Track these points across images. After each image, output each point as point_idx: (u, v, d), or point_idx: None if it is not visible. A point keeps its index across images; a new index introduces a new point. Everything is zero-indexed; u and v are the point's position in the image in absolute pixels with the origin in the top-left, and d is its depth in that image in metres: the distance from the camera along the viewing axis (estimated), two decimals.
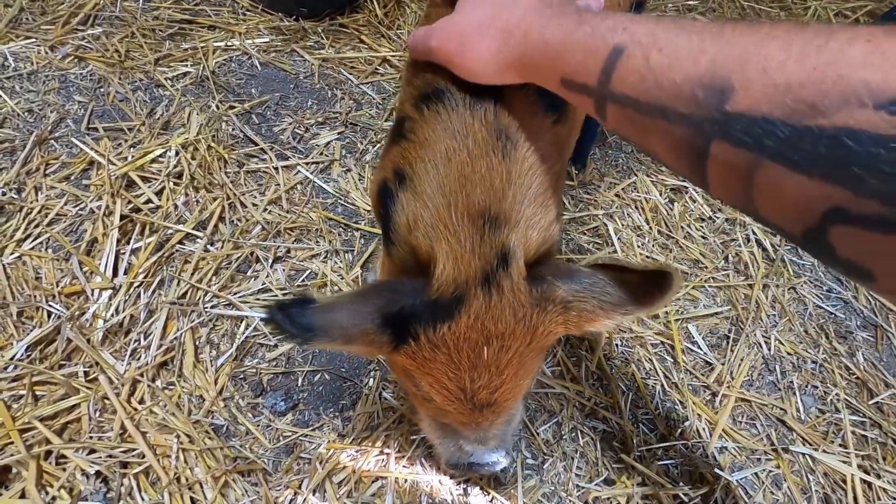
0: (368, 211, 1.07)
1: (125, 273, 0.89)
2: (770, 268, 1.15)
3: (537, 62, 0.43)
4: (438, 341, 0.48)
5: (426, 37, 0.52)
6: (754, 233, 1.21)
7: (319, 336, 0.43)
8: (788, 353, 1.03)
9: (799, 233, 0.31)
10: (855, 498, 0.86)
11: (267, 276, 0.94)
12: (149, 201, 0.99)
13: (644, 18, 0.37)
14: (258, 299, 0.91)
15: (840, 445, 0.93)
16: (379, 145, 1.19)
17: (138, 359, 0.81)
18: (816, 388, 1.00)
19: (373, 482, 0.76)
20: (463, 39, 0.48)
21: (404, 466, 0.78)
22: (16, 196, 0.96)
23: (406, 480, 0.77)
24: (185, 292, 0.89)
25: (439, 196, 0.49)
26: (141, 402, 0.77)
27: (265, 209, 1.02)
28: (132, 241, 0.93)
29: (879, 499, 0.87)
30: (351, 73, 1.31)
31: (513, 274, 0.48)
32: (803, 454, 0.90)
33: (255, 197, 1.04)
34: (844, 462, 0.90)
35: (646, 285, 0.48)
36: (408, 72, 0.60)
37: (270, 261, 0.96)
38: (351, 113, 1.23)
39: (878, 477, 0.89)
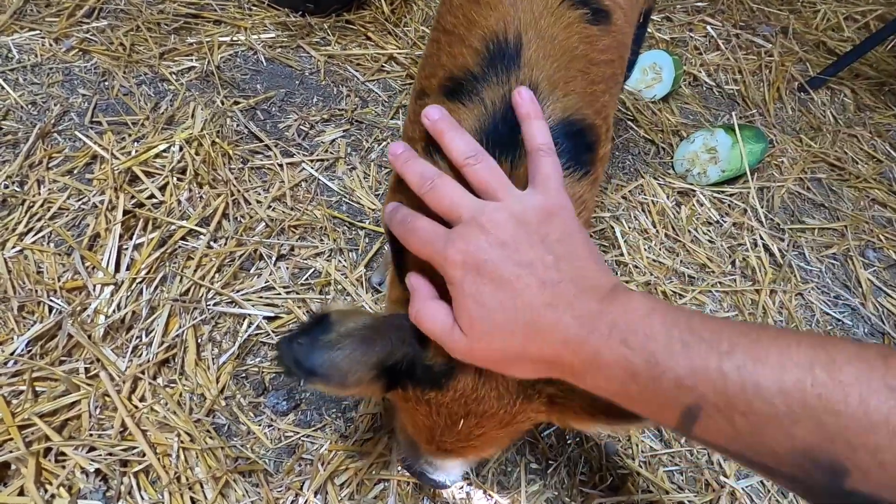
0: (373, 209, 1.06)
1: (127, 269, 0.88)
2: (777, 273, 1.14)
3: (598, 389, 0.39)
4: (423, 400, 0.50)
5: (443, 340, 0.44)
6: (762, 238, 1.19)
7: (319, 380, 0.44)
8: None
9: None
10: None
11: (270, 274, 0.93)
12: (152, 196, 0.98)
13: (713, 370, 0.33)
14: (261, 297, 0.90)
15: None
16: (384, 143, 1.18)
17: (140, 356, 0.80)
18: None
19: (375, 485, 0.75)
20: (496, 367, 0.44)
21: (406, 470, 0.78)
22: (18, 189, 0.95)
23: (408, 483, 0.76)
24: (188, 289, 0.88)
25: None
26: (142, 399, 0.77)
27: (269, 206, 1.02)
28: (135, 237, 0.92)
29: None
30: (357, 70, 1.30)
31: None
32: None
33: (259, 194, 1.03)
34: None
35: None
36: (416, 107, 0.56)
37: (274, 258, 0.95)
38: (356, 110, 1.22)
39: None
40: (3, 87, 1.09)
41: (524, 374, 0.44)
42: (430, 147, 0.51)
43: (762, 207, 1.26)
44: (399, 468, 0.77)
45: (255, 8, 1.38)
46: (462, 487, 0.78)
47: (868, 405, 0.29)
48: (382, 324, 0.50)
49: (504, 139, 0.49)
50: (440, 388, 0.49)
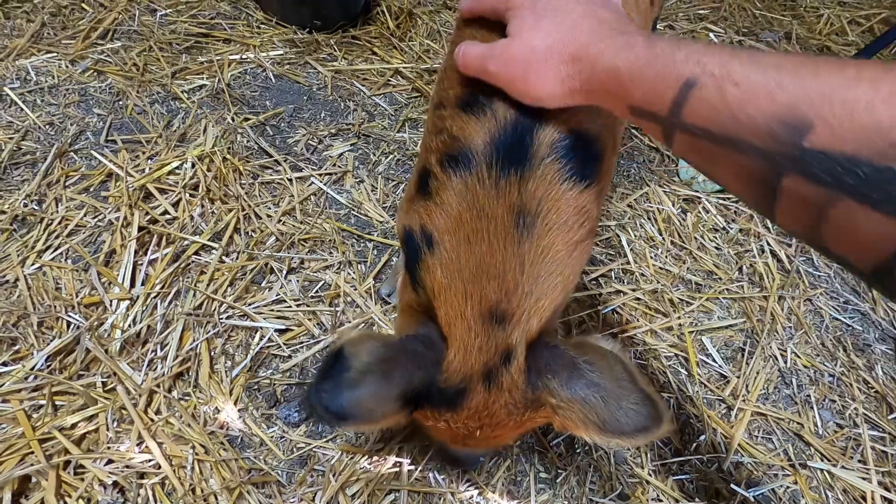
0: (381, 222, 1.08)
1: (142, 284, 0.91)
2: (785, 279, 1.14)
3: (606, 88, 0.43)
4: (441, 418, 0.54)
5: (482, 58, 0.50)
6: (769, 244, 1.19)
7: (352, 422, 0.48)
8: (805, 367, 1.02)
9: (868, 268, 0.32)
10: None
11: (281, 287, 0.95)
12: (165, 213, 1.00)
13: (717, 49, 0.36)
14: (272, 310, 0.92)
15: (859, 461, 0.91)
16: (391, 156, 1.20)
17: (155, 369, 0.82)
18: (834, 402, 0.98)
19: (386, 495, 0.76)
20: (527, 66, 0.47)
21: (417, 479, 0.78)
22: (37, 207, 0.98)
23: (419, 493, 0.77)
24: (201, 303, 0.90)
25: (460, 282, 0.52)
26: (157, 412, 0.78)
27: (279, 220, 1.04)
28: (149, 253, 0.94)
29: None
30: (363, 85, 1.33)
31: (513, 371, 0.52)
32: (822, 470, 0.89)
33: (270, 208, 1.05)
34: (864, 478, 0.88)
35: (637, 411, 0.50)
36: (433, 116, 0.59)
37: (284, 272, 0.96)
38: (364, 124, 1.24)
39: None
40: (21, 109, 1.13)
41: (545, 79, 0.46)
42: (446, 159, 0.53)
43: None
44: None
45: (263, 26, 1.42)
46: (472, 497, 0.78)
47: (863, 70, 0.30)
48: (397, 353, 0.52)
49: (514, 150, 0.50)
50: (455, 409, 0.53)
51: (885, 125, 0.28)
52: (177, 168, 1.07)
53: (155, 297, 0.89)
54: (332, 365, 0.49)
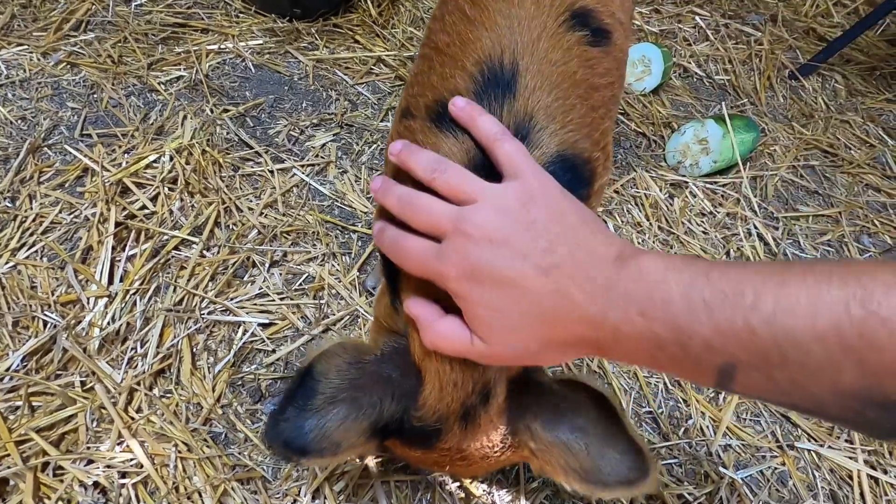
0: (365, 212, 1.06)
1: (121, 280, 0.89)
2: (773, 261, 1.14)
3: (635, 353, 0.38)
4: (412, 452, 0.52)
5: (460, 351, 0.44)
6: (756, 227, 1.19)
7: (314, 457, 0.45)
8: None
9: None
10: (862, 494, 0.85)
11: (264, 281, 0.93)
12: (143, 207, 0.98)
13: (729, 322, 0.32)
14: (255, 304, 0.91)
15: (846, 441, 0.92)
16: (375, 146, 1.18)
17: (135, 367, 0.80)
18: None
19: (370, 486, 0.75)
20: (524, 361, 0.43)
21: (401, 470, 0.78)
22: (10, 205, 0.95)
23: (406, 484, 0.76)
24: (182, 299, 0.88)
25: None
26: (138, 410, 0.77)
27: (261, 213, 1.02)
28: (127, 248, 0.92)
29: (886, 494, 0.86)
30: (346, 74, 1.30)
31: (491, 412, 0.49)
32: (809, 450, 0.90)
33: (251, 201, 1.03)
34: (851, 458, 0.89)
35: (621, 461, 0.47)
36: (400, 126, 0.53)
37: (267, 265, 0.95)
38: (346, 114, 1.22)
39: (885, 472, 0.88)
40: None
41: (555, 361, 0.44)
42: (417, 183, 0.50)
43: (756, 197, 1.26)
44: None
45: (241, 15, 1.38)
46: (461, 486, 0.78)
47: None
48: (367, 376, 0.49)
49: (492, 170, 0.45)
50: (429, 446, 0.50)
51: None
52: (154, 161, 1.04)
53: (134, 294, 0.87)
54: (297, 387, 0.46)
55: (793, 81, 1.58)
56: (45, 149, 1.05)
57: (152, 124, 1.11)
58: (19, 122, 1.08)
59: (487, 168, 0.46)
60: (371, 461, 0.77)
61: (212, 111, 1.16)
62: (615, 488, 0.47)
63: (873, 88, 1.63)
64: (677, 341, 0.34)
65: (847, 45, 1.59)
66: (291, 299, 0.92)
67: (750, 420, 0.93)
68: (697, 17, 1.68)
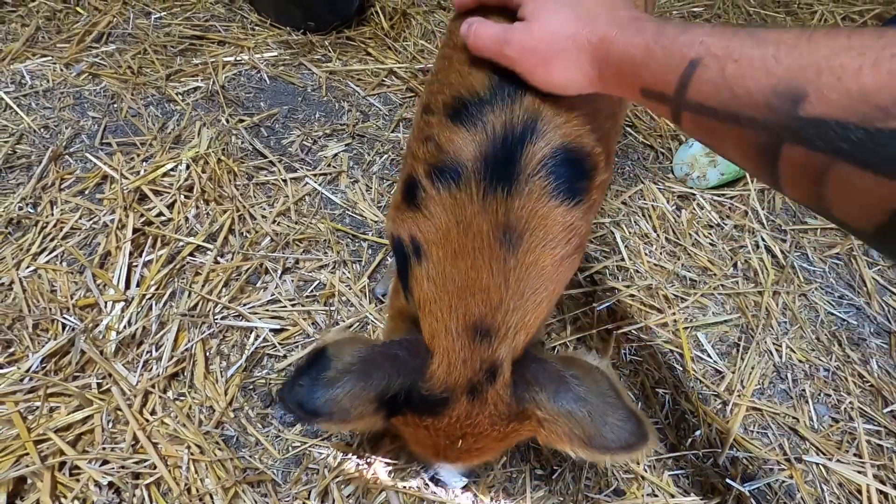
0: (376, 221, 1.08)
1: (137, 285, 0.91)
2: (780, 274, 1.15)
3: (621, 73, 0.44)
4: (422, 425, 0.53)
5: (500, 41, 0.49)
6: (763, 239, 1.20)
7: (324, 420, 0.48)
8: (800, 361, 1.02)
9: (871, 229, 0.33)
10: None
11: (276, 288, 0.95)
12: (160, 214, 1.00)
13: (720, 30, 0.38)
14: (267, 310, 0.92)
15: (855, 455, 0.91)
16: (386, 156, 1.20)
17: (150, 370, 0.82)
18: (829, 396, 0.98)
19: (380, 492, 0.76)
20: (548, 54, 0.47)
21: (412, 478, 0.79)
22: (32, 210, 0.98)
23: (414, 496, 0.77)
24: (196, 304, 0.90)
25: (445, 295, 0.51)
26: (152, 413, 0.78)
27: (274, 221, 1.04)
28: (144, 254, 0.94)
29: None
30: (358, 86, 1.33)
31: (498, 387, 0.52)
32: (817, 464, 0.89)
33: (265, 209, 1.06)
34: (860, 472, 0.88)
35: (622, 427, 0.50)
36: (421, 121, 0.57)
37: (279, 272, 0.97)
38: (358, 124, 1.25)
39: (895, 487, 0.88)
40: (16, 112, 1.13)
41: (566, 67, 0.46)
42: (434, 171, 0.52)
43: (763, 209, 1.26)
44: (402, 476, 0.78)
45: (257, 28, 1.42)
46: (468, 495, 0.78)
47: (852, 38, 0.31)
48: (378, 355, 0.52)
49: (500, 166, 0.50)
50: (437, 415, 0.52)
51: (870, 89, 0.29)
52: (171, 170, 1.07)
53: (150, 299, 0.90)
54: (312, 362, 0.49)
55: None
56: (67, 156, 1.08)
57: (170, 133, 1.14)
58: (42, 130, 1.12)
59: (501, 163, 0.50)
60: (381, 467, 0.78)
61: (227, 121, 1.18)
62: (617, 452, 0.50)
63: None
64: (674, 32, 0.40)
65: None
66: (303, 306, 0.94)
67: (758, 432, 0.93)
68: None
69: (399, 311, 0.60)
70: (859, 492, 0.87)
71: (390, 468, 0.79)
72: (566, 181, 0.51)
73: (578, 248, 0.55)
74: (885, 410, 0.97)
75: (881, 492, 0.87)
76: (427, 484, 0.78)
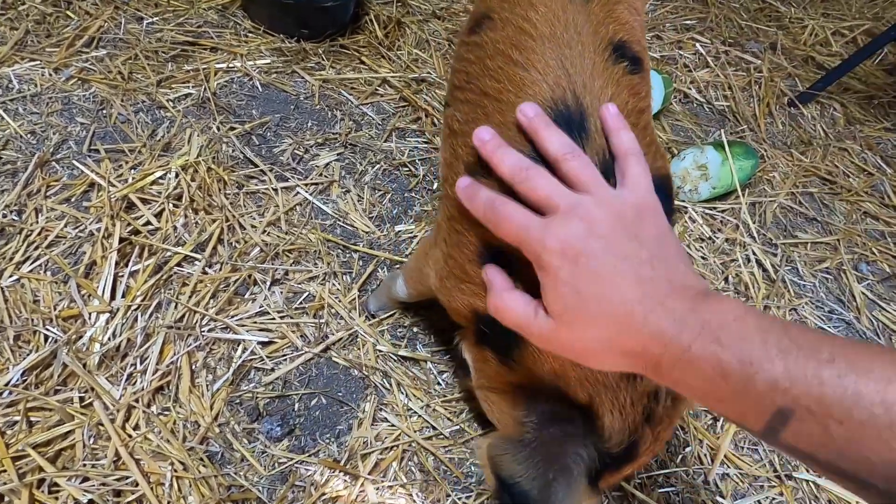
0: (367, 232, 1.07)
1: (123, 296, 0.89)
2: (771, 288, 1.15)
3: (677, 384, 0.39)
4: (621, 476, 0.55)
5: (523, 327, 0.45)
6: (754, 253, 1.20)
7: None
8: None
9: None
10: None
11: (265, 299, 0.94)
12: (148, 223, 0.99)
13: (801, 366, 0.33)
14: (255, 322, 0.91)
15: None
16: (378, 166, 1.19)
17: (134, 383, 0.81)
18: None
19: None
20: (579, 357, 0.44)
21: (399, 495, 0.77)
22: (16, 218, 0.97)
23: None
24: (183, 315, 0.89)
25: None
26: (136, 428, 0.77)
27: (264, 231, 1.03)
28: (131, 264, 0.93)
29: None
30: (351, 94, 1.32)
31: (661, 404, 0.53)
32: (807, 481, 0.89)
33: (254, 219, 1.05)
34: None
35: None
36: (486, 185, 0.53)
37: (268, 283, 0.96)
38: (350, 134, 1.24)
39: None
40: (2, 118, 1.11)
41: (604, 366, 0.45)
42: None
43: (754, 223, 1.27)
44: (389, 493, 0.77)
45: (250, 35, 1.41)
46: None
47: None
48: (552, 447, 0.51)
49: None
50: (634, 460, 0.54)
51: None
52: (160, 178, 1.05)
53: (135, 310, 0.88)
54: (512, 501, 0.48)
55: (792, 109, 1.61)
56: (53, 163, 1.07)
57: (159, 141, 1.12)
58: (29, 136, 1.10)
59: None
60: (368, 484, 0.77)
61: (218, 129, 1.17)
62: None
63: (871, 117, 1.65)
64: (744, 373, 0.34)
65: (846, 74, 1.61)
66: (291, 318, 0.93)
67: (748, 449, 0.92)
68: (698, 44, 1.71)
69: (503, 382, 0.58)
70: None
71: (377, 486, 0.78)
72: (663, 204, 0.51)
73: None
74: None
75: None
76: (414, 500, 0.77)
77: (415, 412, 0.86)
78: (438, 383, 0.91)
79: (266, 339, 0.89)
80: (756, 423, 0.35)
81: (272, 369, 0.88)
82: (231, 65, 1.31)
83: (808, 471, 0.90)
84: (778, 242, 1.25)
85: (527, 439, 0.51)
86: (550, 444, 0.51)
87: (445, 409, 0.87)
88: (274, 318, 0.92)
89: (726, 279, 1.15)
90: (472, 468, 0.82)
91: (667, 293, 0.40)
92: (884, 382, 0.31)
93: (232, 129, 1.18)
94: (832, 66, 1.66)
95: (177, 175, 1.06)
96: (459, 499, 0.78)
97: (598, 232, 0.42)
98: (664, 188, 0.53)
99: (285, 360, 0.89)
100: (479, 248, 0.54)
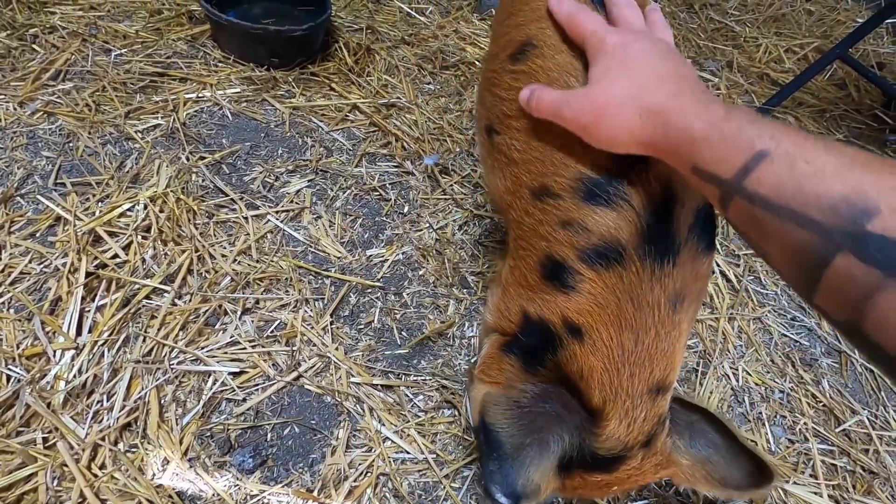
0: (339, 258, 1.08)
1: (89, 331, 0.88)
2: (735, 298, 1.18)
3: (676, 146, 0.44)
4: (590, 481, 0.56)
5: (557, 104, 0.52)
6: (718, 264, 1.24)
7: (525, 501, 0.49)
8: (756, 384, 1.05)
9: None
10: None
11: (235, 329, 0.94)
12: (115, 256, 0.98)
13: (793, 130, 0.38)
14: (226, 353, 0.91)
15: (811, 476, 0.94)
16: (349, 191, 1.21)
17: (100, 421, 0.79)
18: (785, 417, 1.01)
19: None
20: (601, 111, 0.49)
21: None
22: None
23: None
24: (151, 349, 0.88)
25: (624, 366, 0.53)
26: (102, 467, 0.75)
27: (234, 260, 1.03)
28: (97, 298, 0.92)
29: None
30: (321, 121, 1.34)
31: (664, 434, 0.56)
32: (776, 486, 0.91)
33: (225, 248, 1.05)
34: (815, 493, 0.90)
35: (749, 468, 0.56)
36: (540, 205, 0.57)
37: (239, 313, 0.95)
38: (321, 160, 1.25)
39: None
40: None
41: (616, 125, 0.48)
42: (590, 255, 0.54)
43: (717, 235, 1.31)
44: None
45: (220, 64, 1.43)
46: None
47: None
48: (541, 418, 0.53)
49: (661, 239, 0.52)
50: (610, 472, 0.55)
51: None
52: (128, 210, 1.05)
53: (102, 345, 0.87)
54: (485, 441, 0.50)
55: None
56: (18, 198, 1.05)
57: (127, 172, 1.12)
58: None
59: (660, 235, 0.52)
60: None
61: (188, 159, 1.18)
62: (748, 490, 0.56)
63: (824, 129, 1.73)
64: (739, 122, 0.40)
65: (798, 89, 1.69)
66: (263, 347, 0.92)
67: None
68: None
69: (503, 380, 0.61)
70: None
71: None
72: (707, 235, 0.55)
73: (703, 294, 0.59)
74: (837, 430, 1.00)
75: None
76: None
77: (388, 438, 0.86)
78: (413, 406, 0.91)
79: (237, 370, 0.89)
80: (731, 167, 0.39)
81: (244, 399, 0.87)
82: (201, 94, 1.32)
83: None
84: (740, 253, 1.29)
85: (522, 402, 0.53)
86: (541, 416, 0.53)
87: (419, 432, 0.87)
88: (245, 348, 0.92)
89: None
90: (448, 491, 0.82)
91: (702, 90, 0.47)
92: (852, 149, 0.36)
93: (202, 158, 1.19)
94: (786, 82, 1.74)
95: (145, 207, 1.05)
96: None
97: (651, 41, 0.52)
98: (711, 214, 0.56)
99: (257, 389, 0.89)
100: (542, 258, 0.58)
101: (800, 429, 1.00)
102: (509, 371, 0.60)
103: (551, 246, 0.56)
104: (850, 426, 1.01)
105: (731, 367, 1.06)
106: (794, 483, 0.91)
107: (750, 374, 1.06)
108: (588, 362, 0.54)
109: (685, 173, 0.45)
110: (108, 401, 0.82)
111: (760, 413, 1.01)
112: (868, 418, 1.02)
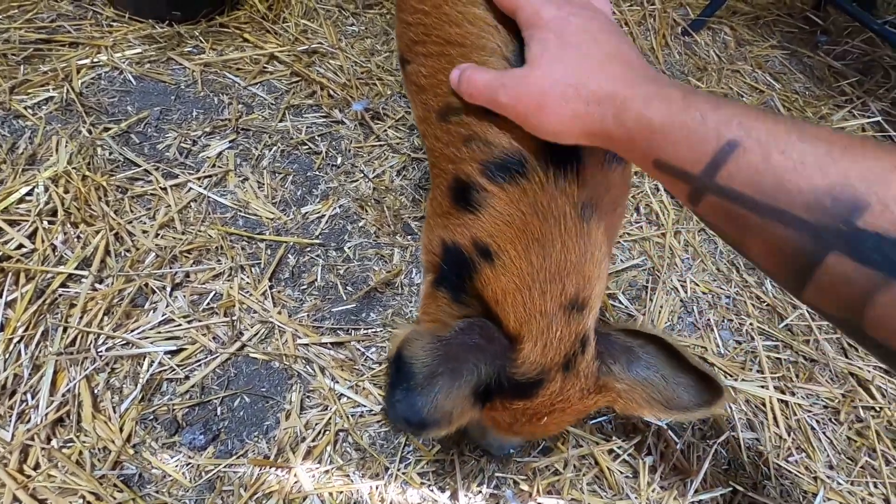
0: (272, 219, 1.02)
1: (1, 330, 0.81)
2: (680, 213, 1.19)
3: (632, 138, 0.40)
4: (511, 408, 0.54)
5: (492, 88, 0.47)
6: (658, 187, 1.24)
7: (433, 428, 0.48)
8: (704, 293, 1.08)
9: None
10: (774, 417, 0.92)
11: (167, 306, 0.88)
12: (20, 246, 0.89)
13: (760, 113, 0.35)
14: (160, 332, 0.85)
15: (758, 371, 0.98)
16: (276, 148, 1.13)
17: (27, 421, 0.74)
18: (732, 321, 1.05)
19: (304, 500, 0.73)
20: (543, 99, 0.44)
21: (336, 477, 0.76)
22: None
23: (341, 493, 0.75)
24: (74, 339, 0.82)
25: (536, 283, 0.51)
26: (35, 467, 0.71)
27: (157, 234, 0.95)
28: (5, 294, 0.84)
29: (795, 414, 0.93)
30: (237, 76, 1.24)
31: (588, 357, 0.54)
32: (724, 404, 0.95)
33: (144, 223, 0.97)
34: (762, 387, 0.95)
35: (696, 387, 0.54)
36: (445, 125, 0.54)
37: (169, 289, 0.89)
38: (241, 118, 1.16)
39: (793, 394, 0.95)
40: None
41: (561, 115, 0.44)
42: (491, 169, 0.51)
43: None
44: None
45: (114, 24, 1.28)
46: (393, 488, 0.77)
47: None
48: (457, 348, 0.51)
49: (563, 146, 0.48)
50: (530, 398, 0.53)
51: None
52: (27, 194, 0.95)
53: (18, 342, 0.80)
54: (396, 373, 0.48)
55: (686, 38, 1.64)
56: None
57: (21, 154, 1.01)
58: None
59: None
60: (302, 473, 0.75)
61: (90, 132, 1.07)
62: (696, 410, 0.54)
63: (759, 37, 1.72)
64: (701, 110, 0.37)
65: None
66: (200, 321, 0.87)
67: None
68: None
69: (440, 317, 0.58)
70: (763, 405, 0.93)
71: (312, 473, 0.76)
72: None
73: (625, 205, 0.57)
74: (780, 325, 1.04)
75: (782, 401, 0.94)
76: (351, 480, 0.76)
77: (343, 394, 0.84)
78: (366, 360, 0.89)
79: (175, 348, 0.84)
80: (699, 161, 0.36)
81: (186, 377, 0.83)
82: (96, 59, 1.19)
83: (725, 376, 0.96)
84: None
85: (443, 337, 0.52)
86: (458, 347, 0.51)
87: (374, 384, 0.86)
88: (180, 325, 0.86)
89: (637, 210, 1.18)
90: (410, 437, 0.82)
91: (652, 72, 0.43)
92: (826, 132, 0.33)
93: (106, 129, 1.08)
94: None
95: (46, 189, 0.96)
96: (399, 469, 0.78)
97: (590, 14, 0.46)
98: None
99: (199, 365, 0.84)
100: (451, 181, 0.55)
101: (746, 329, 1.03)
102: (444, 307, 0.58)
103: (457, 166, 0.53)
104: (791, 321, 1.05)
105: (679, 280, 1.08)
106: (743, 380, 0.95)
107: (698, 284, 1.08)
108: (500, 284, 0.52)
109: (646, 168, 0.41)
110: (32, 398, 0.76)
111: (709, 319, 1.04)
112: (808, 311, 1.07)
